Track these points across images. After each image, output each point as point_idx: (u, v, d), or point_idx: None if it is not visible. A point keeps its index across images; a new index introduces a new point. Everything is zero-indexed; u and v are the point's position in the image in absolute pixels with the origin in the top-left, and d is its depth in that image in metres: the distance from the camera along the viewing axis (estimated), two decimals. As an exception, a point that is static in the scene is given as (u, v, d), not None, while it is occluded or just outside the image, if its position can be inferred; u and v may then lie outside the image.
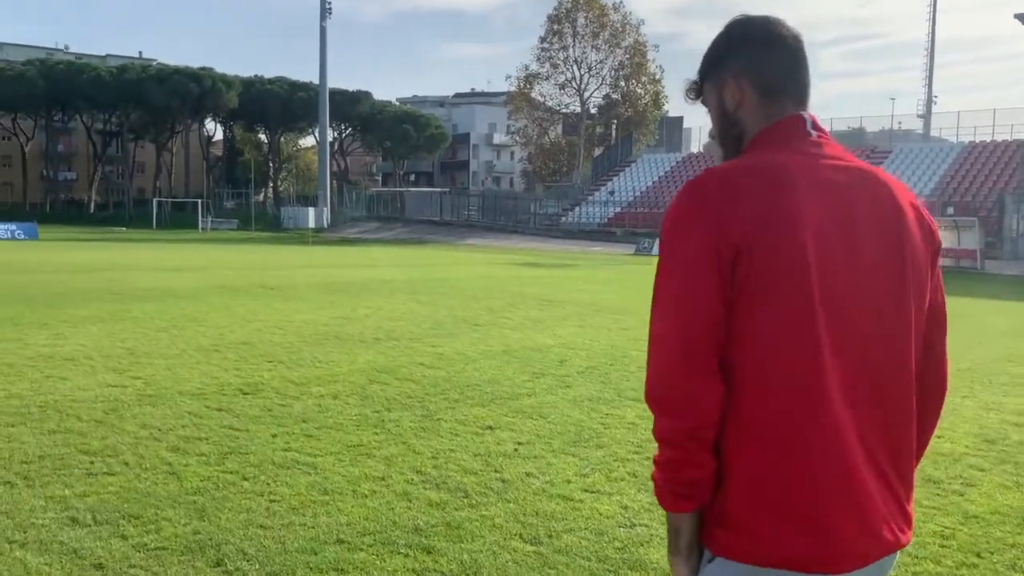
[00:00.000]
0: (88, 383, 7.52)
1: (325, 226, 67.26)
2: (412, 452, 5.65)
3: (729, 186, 1.53)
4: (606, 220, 57.47)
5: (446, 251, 42.76)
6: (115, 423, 6.16)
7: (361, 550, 4.00)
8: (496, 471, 5.28)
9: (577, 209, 61.45)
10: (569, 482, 5.11)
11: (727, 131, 1.72)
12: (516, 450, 5.77)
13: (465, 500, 4.72)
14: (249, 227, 67.67)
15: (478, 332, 11.57)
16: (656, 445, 1.58)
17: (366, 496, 4.74)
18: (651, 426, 1.61)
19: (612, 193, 58.03)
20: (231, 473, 5.08)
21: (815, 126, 1.64)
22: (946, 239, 36.58)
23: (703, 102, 1.77)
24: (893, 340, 1.58)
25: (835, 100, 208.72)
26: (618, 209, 57.43)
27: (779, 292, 1.49)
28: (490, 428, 6.34)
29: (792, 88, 1.67)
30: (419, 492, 4.82)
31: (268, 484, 4.90)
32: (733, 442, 1.53)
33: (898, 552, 1.61)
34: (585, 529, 4.35)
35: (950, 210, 41.79)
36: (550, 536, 4.24)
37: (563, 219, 60.67)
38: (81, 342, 9.84)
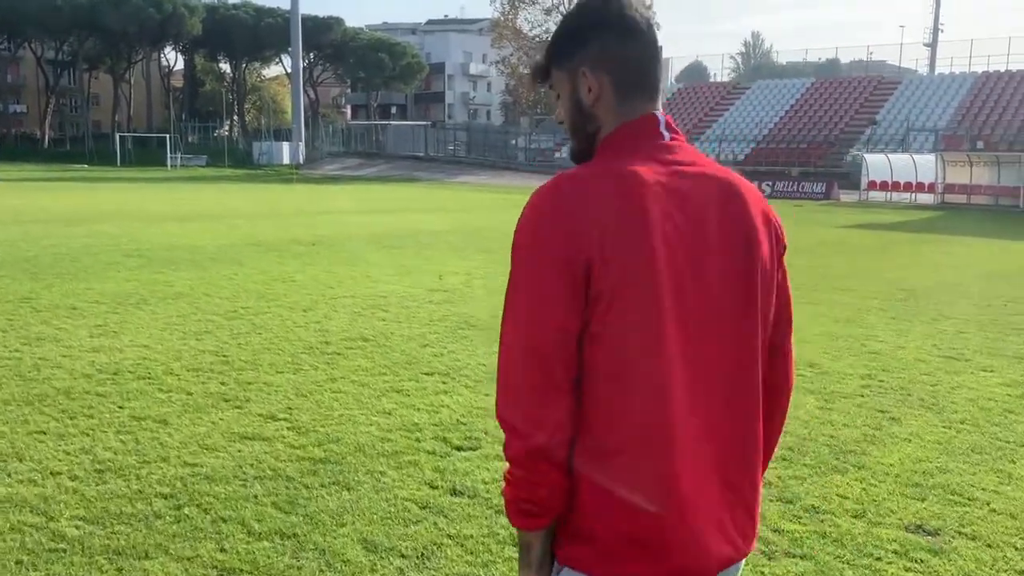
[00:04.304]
0: (209, 434, 4.89)
1: (300, 162, 63.48)
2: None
3: (581, 197, 1.45)
4: (603, 155, 54.58)
5: (447, 190, 39.88)
6: (338, 548, 3.60)
7: None
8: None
9: (570, 144, 58.41)
10: None
11: (582, 126, 1.59)
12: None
13: None
14: (219, 163, 63.62)
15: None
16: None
17: None
18: None
19: (611, 127, 54.91)
20: None
21: (668, 127, 1.57)
22: (983, 176, 34.81)
23: (552, 87, 1.63)
24: (741, 347, 1.54)
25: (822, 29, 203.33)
26: (615, 144, 54.43)
27: (630, 305, 1.43)
28: (931, 534, 3.90)
29: (647, 83, 1.58)
30: None
31: None
32: (583, 455, 1.46)
33: (742, 561, 1.57)
34: None
35: (980, 144, 39.74)
36: None
37: (556, 155, 57.73)
38: (141, 341, 7.16)
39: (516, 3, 69.49)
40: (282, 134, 73.23)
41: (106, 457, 4.48)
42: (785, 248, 1.64)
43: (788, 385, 1.69)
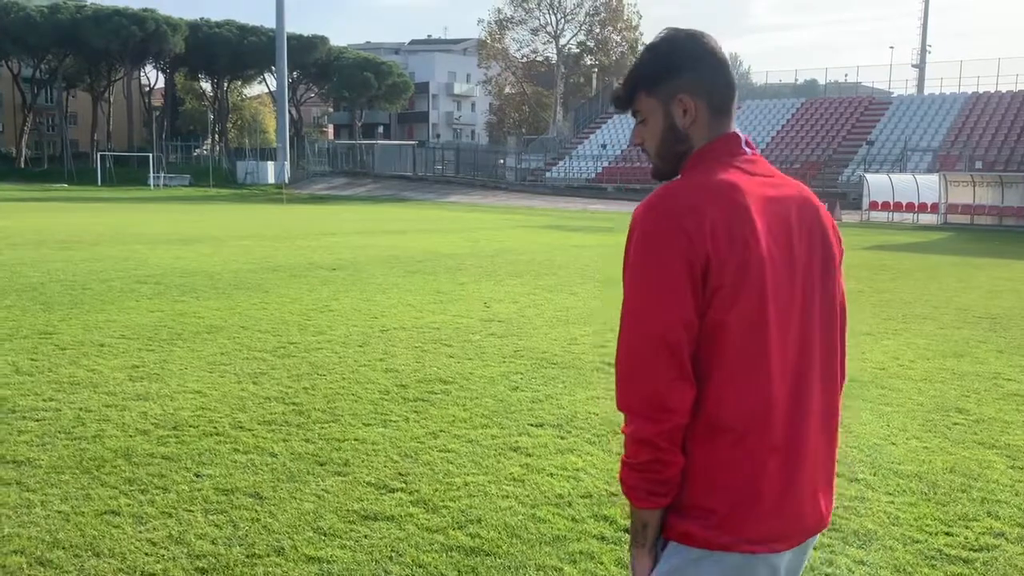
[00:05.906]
0: (319, 513, 3.98)
1: (286, 182, 62.37)
2: None
3: (697, 204, 1.59)
4: (595, 175, 54.07)
5: (441, 210, 39.06)
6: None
7: None
8: None
9: (561, 163, 57.90)
10: None
11: (673, 146, 1.73)
12: None
13: None
14: (203, 183, 62.33)
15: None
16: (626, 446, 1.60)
17: None
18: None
19: (604, 147, 54.51)
20: None
21: (747, 143, 1.72)
22: (986, 196, 34.50)
23: (635, 112, 1.75)
24: (828, 329, 1.71)
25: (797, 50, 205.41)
26: (607, 163, 54.02)
27: (743, 299, 1.58)
28: None
29: (730, 107, 1.73)
30: None
31: None
32: (697, 435, 1.60)
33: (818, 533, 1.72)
34: None
35: (978, 164, 39.56)
36: None
37: (547, 174, 57.11)
38: (191, 385, 6.24)
39: (503, 24, 69.12)
40: (265, 153, 72.05)
41: (205, 549, 3.58)
42: (843, 252, 1.79)
43: (844, 369, 1.80)
